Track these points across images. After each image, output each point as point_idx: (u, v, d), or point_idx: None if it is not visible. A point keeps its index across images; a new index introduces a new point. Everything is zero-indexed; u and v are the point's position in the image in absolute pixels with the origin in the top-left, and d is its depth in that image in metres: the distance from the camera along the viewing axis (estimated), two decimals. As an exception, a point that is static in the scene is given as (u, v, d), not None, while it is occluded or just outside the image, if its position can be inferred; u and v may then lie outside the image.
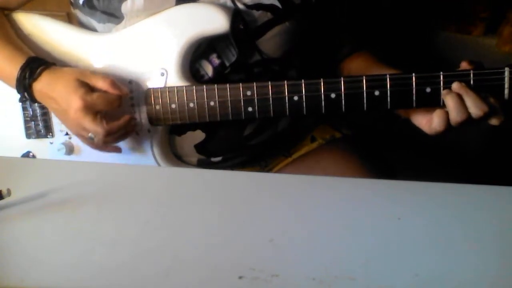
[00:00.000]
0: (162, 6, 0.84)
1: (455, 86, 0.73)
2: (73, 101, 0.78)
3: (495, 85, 0.74)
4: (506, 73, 0.73)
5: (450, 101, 0.73)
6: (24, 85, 0.82)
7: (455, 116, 0.73)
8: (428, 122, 0.77)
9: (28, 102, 0.91)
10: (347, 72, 0.97)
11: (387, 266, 0.53)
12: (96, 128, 0.79)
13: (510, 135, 1.28)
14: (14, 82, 0.83)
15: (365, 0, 1.10)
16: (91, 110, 0.78)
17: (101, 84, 0.80)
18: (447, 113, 0.74)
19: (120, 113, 0.83)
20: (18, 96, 0.86)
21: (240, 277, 0.51)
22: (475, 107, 0.72)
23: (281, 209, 0.64)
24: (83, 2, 0.87)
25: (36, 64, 0.82)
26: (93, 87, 0.80)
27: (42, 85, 0.82)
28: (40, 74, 0.81)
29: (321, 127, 1.03)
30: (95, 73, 0.82)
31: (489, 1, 1.30)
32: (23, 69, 0.82)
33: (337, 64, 0.99)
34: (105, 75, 0.82)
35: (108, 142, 0.83)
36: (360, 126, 1.06)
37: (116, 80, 0.81)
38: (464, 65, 0.76)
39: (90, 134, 0.81)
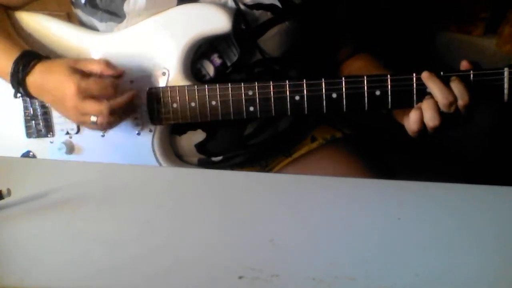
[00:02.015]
0: (164, 6, 0.84)
1: (424, 74, 0.75)
2: (67, 88, 0.77)
3: (494, 85, 0.74)
4: (506, 74, 0.73)
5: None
6: (18, 79, 0.81)
7: (425, 108, 0.74)
8: (407, 122, 0.78)
9: (28, 101, 0.90)
10: (348, 73, 0.97)
11: (387, 266, 0.53)
12: (99, 107, 0.77)
13: (510, 135, 1.28)
14: (9, 76, 0.82)
15: (365, 0, 1.10)
16: (87, 94, 0.77)
17: (95, 67, 0.79)
18: (421, 111, 0.75)
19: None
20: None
21: (240, 277, 0.51)
22: (440, 95, 0.73)
23: (281, 209, 0.64)
24: (85, 1, 0.87)
25: (29, 57, 0.82)
26: (88, 72, 0.79)
27: (35, 78, 0.81)
28: (33, 67, 0.81)
29: (322, 127, 1.03)
30: (87, 59, 0.81)
31: (489, 1, 1.30)
32: (16, 63, 0.81)
33: (338, 65, 0.99)
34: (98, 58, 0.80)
35: (112, 122, 0.81)
36: (361, 125, 1.06)
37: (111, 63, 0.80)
38: (464, 64, 0.76)
39: (92, 118, 0.78)
